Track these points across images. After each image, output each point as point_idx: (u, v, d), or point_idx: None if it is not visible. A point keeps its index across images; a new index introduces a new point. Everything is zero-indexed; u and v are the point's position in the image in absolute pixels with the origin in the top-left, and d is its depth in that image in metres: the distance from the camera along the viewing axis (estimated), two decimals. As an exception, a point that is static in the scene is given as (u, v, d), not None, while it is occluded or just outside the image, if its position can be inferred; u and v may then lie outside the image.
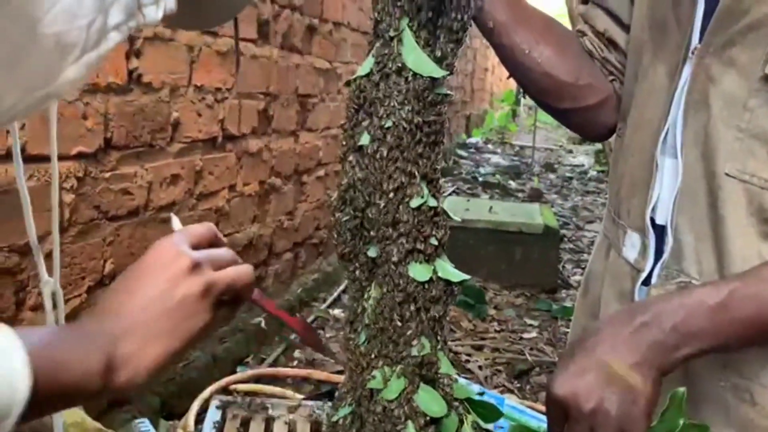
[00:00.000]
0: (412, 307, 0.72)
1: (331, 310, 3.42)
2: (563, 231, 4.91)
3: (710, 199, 0.77)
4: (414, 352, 0.72)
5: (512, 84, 13.93)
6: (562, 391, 0.68)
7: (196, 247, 0.55)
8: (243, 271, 0.57)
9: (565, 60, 0.90)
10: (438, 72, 0.68)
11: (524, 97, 13.21)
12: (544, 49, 0.88)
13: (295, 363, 2.85)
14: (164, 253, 0.52)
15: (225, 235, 2.75)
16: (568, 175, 7.96)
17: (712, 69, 0.77)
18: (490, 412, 0.75)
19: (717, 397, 0.78)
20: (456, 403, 0.73)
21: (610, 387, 0.66)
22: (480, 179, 6.84)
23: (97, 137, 1.92)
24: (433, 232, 0.72)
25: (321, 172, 3.75)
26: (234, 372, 2.60)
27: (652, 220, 0.83)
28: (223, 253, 0.57)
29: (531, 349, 3.10)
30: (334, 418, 0.74)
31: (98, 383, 0.45)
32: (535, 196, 6.03)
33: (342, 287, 3.71)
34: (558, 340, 3.24)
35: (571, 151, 9.97)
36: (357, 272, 0.75)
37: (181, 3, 0.60)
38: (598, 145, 8.39)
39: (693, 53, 0.80)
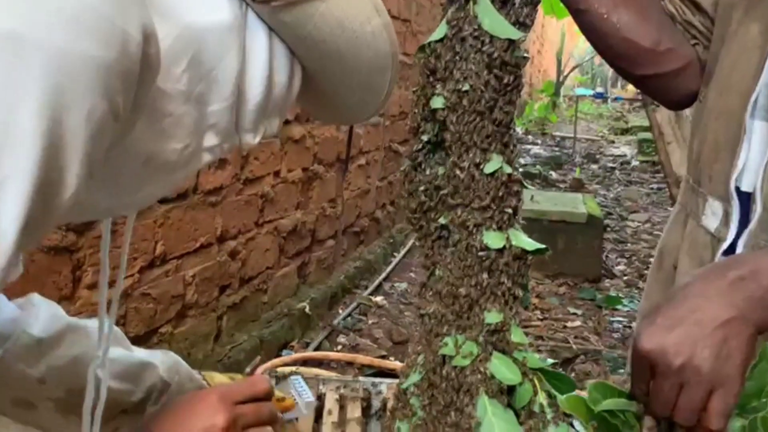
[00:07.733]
0: (485, 275, 0.71)
1: (373, 297, 3.43)
2: (606, 221, 4.83)
3: None
4: (487, 320, 0.71)
5: (551, 75, 13.72)
6: (649, 345, 0.63)
7: (241, 402, 0.67)
8: None
9: (645, 24, 0.87)
10: (515, 33, 0.67)
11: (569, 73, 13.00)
12: (622, 14, 0.86)
13: (339, 347, 2.86)
14: (211, 403, 0.65)
15: (270, 221, 2.81)
16: (610, 165, 7.83)
17: None
18: (565, 384, 0.73)
19: None
20: (529, 374, 0.72)
21: (701, 342, 0.62)
22: (520, 170, 6.75)
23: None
24: (508, 200, 0.71)
25: (362, 161, 3.75)
26: (279, 356, 2.63)
27: (737, 187, 0.81)
28: (261, 411, 0.69)
29: (575, 337, 3.07)
30: (404, 386, 0.74)
31: None
32: (577, 187, 5.94)
33: (383, 275, 3.72)
34: (603, 329, 3.19)
35: (613, 142, 9.79)
36: (428, 239, 0.75)
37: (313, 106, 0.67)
38: (641, 135, 8.24)
39: None
